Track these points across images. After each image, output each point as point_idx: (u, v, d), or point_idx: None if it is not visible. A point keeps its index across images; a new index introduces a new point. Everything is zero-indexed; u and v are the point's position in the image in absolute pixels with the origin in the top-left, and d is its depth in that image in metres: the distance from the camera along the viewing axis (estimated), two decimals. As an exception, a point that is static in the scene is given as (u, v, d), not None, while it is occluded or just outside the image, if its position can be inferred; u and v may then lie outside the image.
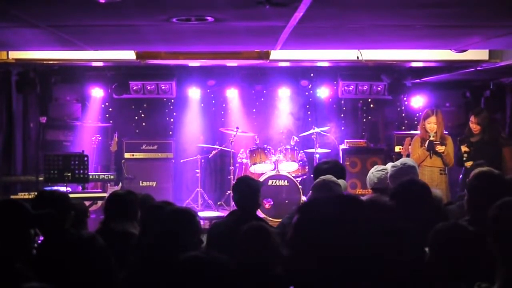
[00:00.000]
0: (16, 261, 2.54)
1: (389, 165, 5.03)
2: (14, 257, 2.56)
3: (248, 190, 4.45)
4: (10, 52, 7.51)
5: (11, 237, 2.65)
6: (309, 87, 9.99)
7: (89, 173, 7.20)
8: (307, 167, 9.10)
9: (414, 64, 8.46)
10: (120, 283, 2.85)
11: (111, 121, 9.84)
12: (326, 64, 8.70)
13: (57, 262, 2.26)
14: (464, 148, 6.77)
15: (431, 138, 6.65)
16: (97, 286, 2.27)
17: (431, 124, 6.72)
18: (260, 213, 8.49)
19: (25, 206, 2.81)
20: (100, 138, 9.34)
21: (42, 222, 3.12)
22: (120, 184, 8.71)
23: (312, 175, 8.90)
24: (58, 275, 2.19)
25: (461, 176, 7.11)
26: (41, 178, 7.28)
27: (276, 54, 7.54)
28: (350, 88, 9.46)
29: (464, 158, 6.71)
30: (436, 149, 6.64)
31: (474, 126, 6.89)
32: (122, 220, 3.85)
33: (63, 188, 6.94)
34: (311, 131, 9.03)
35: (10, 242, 2.63)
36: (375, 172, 4.87)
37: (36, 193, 6.97)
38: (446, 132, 7.14)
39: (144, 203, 4.43)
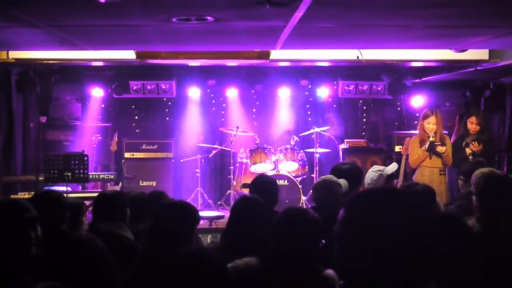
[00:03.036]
0: (15, 264, 2.52)
1: (393, 165, 5.06)
2: (13, 259, 2.54)
3: (268, 188, 4.39)
4: (10, 52, 7.52)
5: (11, 238, 2.63)
6: (309, 87, 9.99)
7: (89, 173, 7.21)
8: (307, 167, 9.10)
9: (414, 64, 8.46)
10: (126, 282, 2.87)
11: (111, 121, 9.84)
12: (326, 64, 8.70)
13: (57, 264, 2.27)
14: (469, 150, 6.75)
15: (431, 139, 6.61)
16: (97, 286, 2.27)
17: (431, 125, 6.68)
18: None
19: (28, 207, 2.78)
20: (100, 138, 9.34)
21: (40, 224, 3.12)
22: (120, 184, 8.71)
23: (312, 175, 8.98)
24: (58, 276, 2.20)
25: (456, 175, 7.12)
26: (41, 178, 7.28)
27: (276, 54, 7.54)
28: (350, 88, 9.46)
29: (470, 160, 6.69)
30: (437, 149, 6.60)
31: (474, 126, 6.88)
32: (109, 221, 3.80)
33: (63, 188, 6.94)
34: (311, 131, 9.03)
35: (10, 243, 2.61)
36: (370, 172, 4.92)
37: (33, 193, 7.00)
38: (446, 132, 7.13)
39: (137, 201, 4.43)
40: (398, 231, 1.49)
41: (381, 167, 5.01)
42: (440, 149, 6.60)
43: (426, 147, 6.59)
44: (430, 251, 1.52)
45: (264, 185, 4.41)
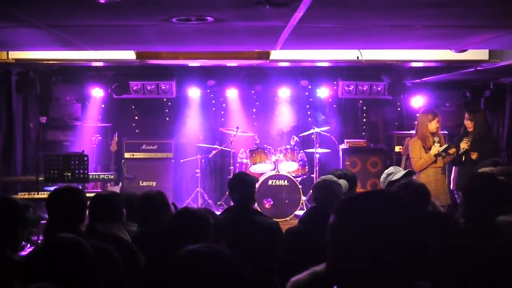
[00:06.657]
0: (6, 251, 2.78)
1: (400, 173, 5.02)
2: (5, 248, 2.83)
3: (244, 186, 4.40)
4: (10, 52, 7.51)
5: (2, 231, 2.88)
6: (309, 87, 10.00)
7: (89, 173, 7.20)
8: (307, 167, 9.10)
9: (414, 64, 8.45)
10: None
11: (111, 121, 9.85)
12: (326, 64, 8.70)
13: (50, 264, 2.27)
14: (463, 145, 6.72)
15: (436, 140, 6.46)
16: None
17: (434, 127, 6.55)
18: (260, 213, 8.50)
19: (18, 204, 2.99)
20: (100, 138, 9.34)
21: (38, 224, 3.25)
22: (120, 184, 8.71)
23: (312, 175, 8.99)
24: (46, 277, 2.21)
25: (453, 175, 7.12)
26: (41, 178, 7.28)
27: (276, 54, 7.54)
28: (350, 88, 9.46)
29: (463, 159, 6.67)
30: (450, 152, 6.55)
31: (468, 123, 6.86)
32: (106, 222, 3.79)
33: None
34: (311, 131, 9.04)
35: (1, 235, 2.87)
36: (383, 174, 4.92)
37: (35, 192, 7.01)
38: (446, 132, 7.11)
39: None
40: (390, 232, 1.48)
41: (391, 170, 4.96)
42: (452, 151, 6.55)
43: (441, 150, 6.45)
44: (424, 250, 1.52)
45: (240, 183, 4.37)
